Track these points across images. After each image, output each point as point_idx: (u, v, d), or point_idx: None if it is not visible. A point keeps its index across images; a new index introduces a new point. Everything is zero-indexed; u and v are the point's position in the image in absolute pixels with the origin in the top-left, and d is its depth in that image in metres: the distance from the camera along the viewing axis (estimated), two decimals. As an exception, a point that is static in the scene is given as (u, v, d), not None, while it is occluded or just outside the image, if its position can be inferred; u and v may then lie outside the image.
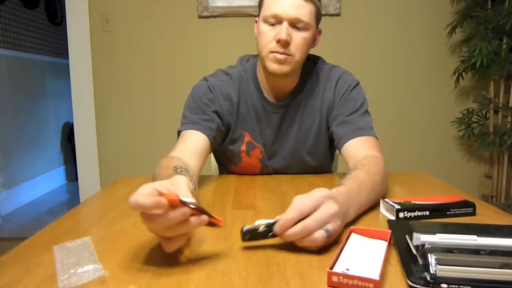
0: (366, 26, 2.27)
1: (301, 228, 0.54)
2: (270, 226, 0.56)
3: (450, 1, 2.18)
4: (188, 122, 0.98)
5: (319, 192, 0.58)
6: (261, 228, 0.57)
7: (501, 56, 2.02)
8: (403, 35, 2.27)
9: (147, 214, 0.49)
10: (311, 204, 0.56)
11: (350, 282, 0.46)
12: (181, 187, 0.53)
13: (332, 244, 0.58)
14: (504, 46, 2.04)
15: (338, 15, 2.24)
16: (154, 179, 0.81)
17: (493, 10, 2.03)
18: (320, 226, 0.55)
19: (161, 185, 0.52)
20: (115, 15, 2.26)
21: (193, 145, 0.94)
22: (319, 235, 0.54)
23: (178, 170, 0.75)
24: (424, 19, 2.25)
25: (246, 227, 0.57)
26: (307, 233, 0.54)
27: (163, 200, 0.48)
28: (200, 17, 2.25)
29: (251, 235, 0.57)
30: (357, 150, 0.93)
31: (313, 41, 1.00)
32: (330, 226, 0.56)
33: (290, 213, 0.55)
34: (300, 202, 0.56)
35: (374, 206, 0.78)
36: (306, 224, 0.54)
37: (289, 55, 0.94)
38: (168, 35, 2.27)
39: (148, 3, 2.25)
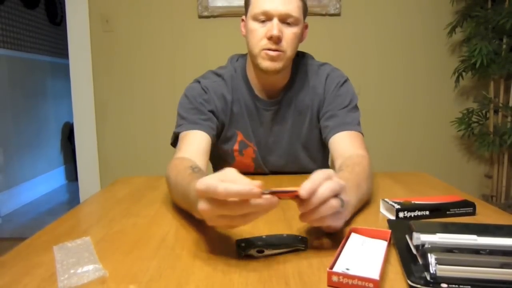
0: (366, 26, 2.27)
1: (324, 188, 0.53)
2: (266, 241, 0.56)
3: (450, 1, 2.18)
4: (188, 123, 0.98)
5: (327, 169, 0.57)
6: (258, 243, 0.56)
7: (501, 56, 2.02)
8: (403, 35, 2.27)
9: (223, 202, 0.49)
10: (323, 176, 0.55)
11: (350, 281, 0.46)
12: (240, 179, 0.52)
13: (331, 243, 0.58)
14: (504, 46, 2.03)
15: (338, 15, 2.24)
16: (168, 180, 0.80)
17: (493, 10, 2.03)
18: (333, 195, 0.54)
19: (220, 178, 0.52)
20: (115, 15, 2.26)
21: (198, 144, 0.94)
22: (335, 201, 0.54)
23: (195, 170, 0.75)
24: (424, 19, 2.25)
25: (243, 243, 0.56)
26: (319, 201, 0.53)
27: (256, 188, 0.48)
28: (200, 17, 2.25)
29: (246, 249, 0.56)
30: (343, 146, 0.94)
31: (301, 35, 1.00)
32: (343, 196, 0.56)
33: (306, 184, 0.53)
34: (315, 176, 0.55)
35: (373, 206, 0.78)
36: (320, 192, 0.53)
37: (281, 51, 0.94)
38: (168, 35, 2.27)
39: (148, 3, 2.25)
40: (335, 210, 0.55)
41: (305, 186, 0.53)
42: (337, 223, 0.58)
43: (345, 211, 0.59)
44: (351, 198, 0.68)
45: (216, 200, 0.49)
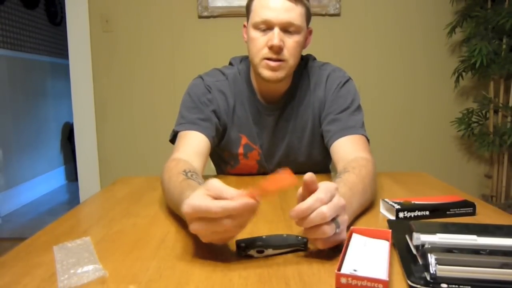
0: (366, 26, 2.27)
1: (315, 215, 0.51)
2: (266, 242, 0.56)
3: (450, 1, 2.18)
4: (186, 122, 0.98)
5: (332, 184, 0.56)
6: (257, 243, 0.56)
7: (501, 56, 2.02)
8: (403, 35, 2.27)
9: (211, 219, 0.50)
10: (330, 195, 0.54)
11: (359, 283, 0.45)
12: (227, 190, 0.52)
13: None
14: (504, 46, 2.03)
15: (338, 15, 2.24)
16: (162, 183, 0.80)
17: (493, 10, 2.02)
18: (334, 215, 0.53)
19: (205, 192, 0.52)
20: (115, 15, 2.26)
21: (195, 146, 0.93)
22: (328, 228, 0.52)
23: (189, 174, 0.75)
24: (424, 19, 2.25)
25: (243, 243, 0.56)
26: (320, 222, 0.51)
27: (250, 200, 0.50)
28: (200, 17, 2.25)
29: (246, 249, 0.56)
30: (346, 150, 0.92)
31: (304, 42, 0.98)
32: (340, 218, 0.54)
33: (310, 202, 0.52)
34: (321, 194, 0.53)
35: (373, 207, 0.78)
36: (311, 218, 0.52)
37: (282, 60, 0.92)
38: (168, 35, 2.27)
39: (148, 3, 2.25)
40: (326, 236, 0.52)
41: (298, 208, 0.52)
42: (328, 244, 0.54)
43: (341, 232, 0.55)
44: (353, 206, 0.67)
45: (207, 218, 0.51)
